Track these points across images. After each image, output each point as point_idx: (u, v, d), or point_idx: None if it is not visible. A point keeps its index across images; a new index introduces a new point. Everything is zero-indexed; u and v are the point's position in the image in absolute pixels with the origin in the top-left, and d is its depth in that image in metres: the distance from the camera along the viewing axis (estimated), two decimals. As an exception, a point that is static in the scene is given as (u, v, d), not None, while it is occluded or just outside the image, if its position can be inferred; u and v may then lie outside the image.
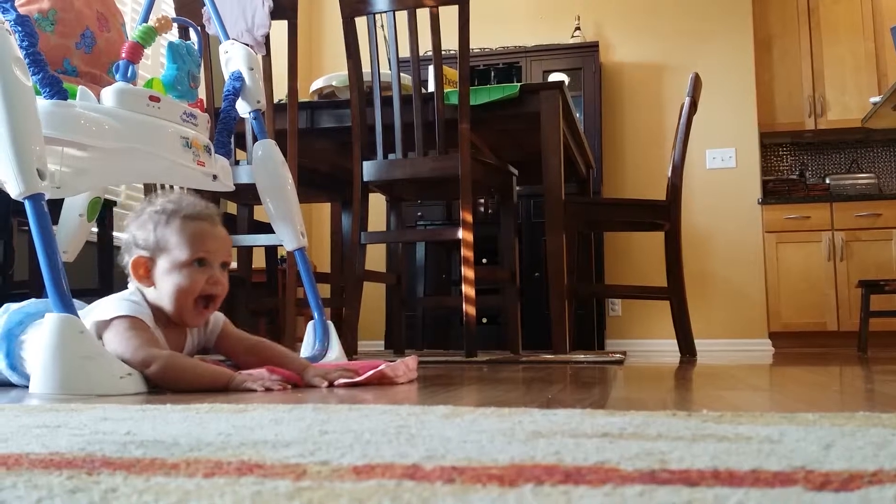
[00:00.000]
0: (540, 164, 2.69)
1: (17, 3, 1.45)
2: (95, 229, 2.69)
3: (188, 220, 1.37)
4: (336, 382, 1.31)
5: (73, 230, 2.02)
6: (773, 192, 4.93)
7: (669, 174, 2.99)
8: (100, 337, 1.31)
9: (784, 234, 4.57)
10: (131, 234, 1.39)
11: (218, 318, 1.48)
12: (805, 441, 0.59)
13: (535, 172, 2.81)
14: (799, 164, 5.22)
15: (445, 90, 2.57)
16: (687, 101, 3.03)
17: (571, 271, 3.02)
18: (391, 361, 1.42)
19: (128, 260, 1.40)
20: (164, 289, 1.35)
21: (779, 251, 4.56)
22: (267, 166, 1.97)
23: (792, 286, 4.52)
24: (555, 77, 4.07)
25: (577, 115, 3.28)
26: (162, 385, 1.26)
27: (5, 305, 1.48)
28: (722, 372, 1.89)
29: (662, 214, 2.93)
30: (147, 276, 1.36)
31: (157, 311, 1.37)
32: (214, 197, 2.65)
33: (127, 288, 1.43)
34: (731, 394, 1.17)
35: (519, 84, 2.71)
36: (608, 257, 4.47)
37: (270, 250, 3.41)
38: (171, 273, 1.35)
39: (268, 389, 1.22)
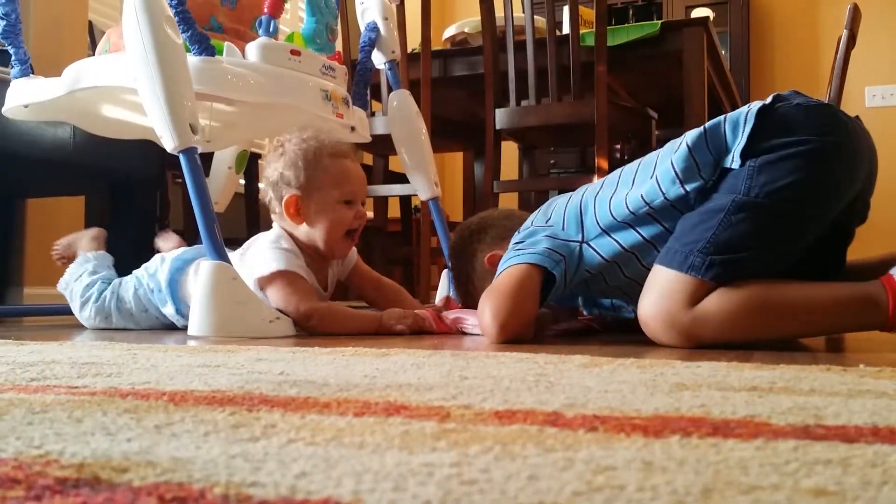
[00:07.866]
0: (682, 107, 2.57)
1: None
2: (243, 181, 2.83)
3: (335, 159, 1.44)
4: (461, 328, 1.41)
5: (223, 182, 2.12)
6: (942, 130, 4.50)
7: (823, 114, 2.78)
8: (262, 289, 1.39)
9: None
10: (278, 172, 1.44)
11: (353, 253, 1.59)
12: (980, 401, 0.55)
13: (676, 115, 2.68)
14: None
15: (581, 31, 2.49)
16: (844, 34, 2.79)
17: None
18: None
19: (272, 196, 1.46)
20: (317, 226, 1.43)
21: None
22: (402, 117, 1.99)
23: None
24: (698, 13, 3.85)
25: (723, 52, 3.10)
26: (320, 332, 1.35)
27: (159, 256, 1.59)
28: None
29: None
30: (298, 215, 1.43)
31: (305, 246, 1.44)
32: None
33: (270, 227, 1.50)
34: (888, 349, 1.10)
35: (659, 22, 2.58)
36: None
37: (405, 200, 3.48)
38: (323, 211, 1.42)
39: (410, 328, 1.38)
